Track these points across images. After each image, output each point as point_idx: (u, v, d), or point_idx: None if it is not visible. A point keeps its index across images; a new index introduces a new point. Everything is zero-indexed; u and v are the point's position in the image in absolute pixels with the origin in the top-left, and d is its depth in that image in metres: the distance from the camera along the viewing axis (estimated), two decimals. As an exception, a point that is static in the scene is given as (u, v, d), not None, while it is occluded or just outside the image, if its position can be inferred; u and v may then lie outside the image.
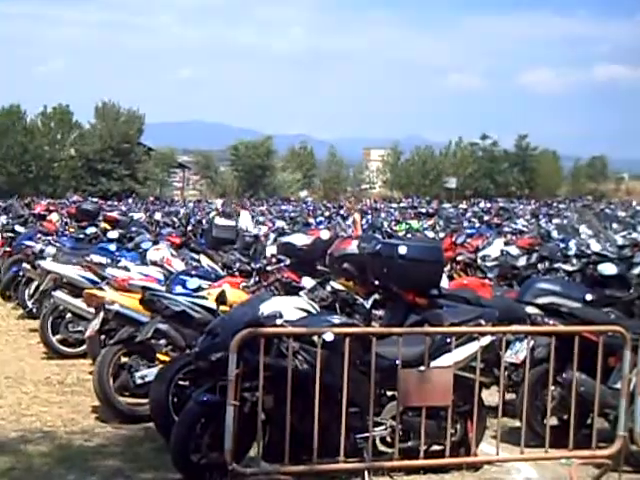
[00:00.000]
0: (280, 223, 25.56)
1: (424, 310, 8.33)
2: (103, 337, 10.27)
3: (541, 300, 8.25)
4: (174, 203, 55.82)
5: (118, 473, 6.94)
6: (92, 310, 10.41)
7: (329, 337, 6.44)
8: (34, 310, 14.12)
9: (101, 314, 9.31)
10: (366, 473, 6.58)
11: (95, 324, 9.47)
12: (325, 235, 12.13)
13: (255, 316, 6.62)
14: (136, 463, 7.18)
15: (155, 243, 13.49)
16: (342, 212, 35.64)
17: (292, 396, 6.32)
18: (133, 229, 17.12)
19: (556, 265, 13.18)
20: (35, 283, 14.35)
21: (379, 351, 6.64)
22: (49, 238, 16.21)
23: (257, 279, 9.92)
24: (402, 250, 8.64)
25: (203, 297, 8.64)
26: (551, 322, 7.94)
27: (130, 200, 54.84)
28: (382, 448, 6.89)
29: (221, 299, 7.79)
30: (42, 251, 14.39)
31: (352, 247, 10.53)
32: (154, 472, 6.94)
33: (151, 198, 60.00)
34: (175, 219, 26.24)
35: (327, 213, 36.80)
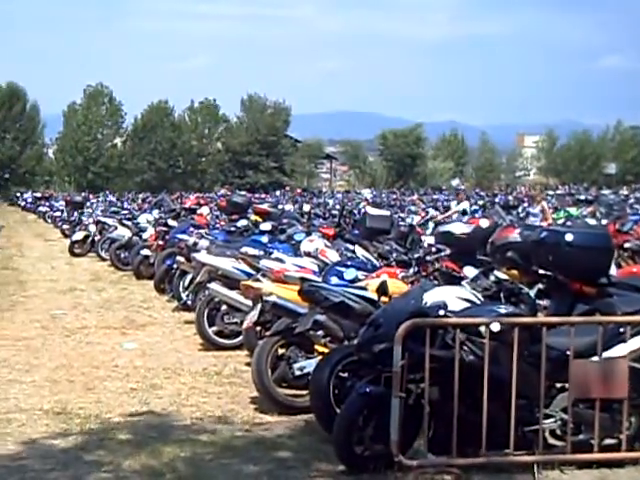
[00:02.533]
0: (433, 212, 25.49)
1: (593, 299, 8.15)
2: (259, 329, 10.49)
3: None
4: (322, 194, 56.33)
5: (281, 464, 7.07)
6: (248, 302, 10.68)
7: (496, 327, 6.41)
8: (189, 302, 14.50)
9: (259, 305, 9.49)
10: (535, 467, 6.52)
11: (253, 315, 9.66)
12: (484, 223, 12.00)
13: (419, 306, 6.65)
14: (298, 454, 7.30)
15: (308, 234, 13.65)
16: (497, 200, 35.25)
17: (458, 388, 6.31)
18: (284, 221, 17.36)
19: None
20: (189, 276, 14.72)
21: (548, 341, 6.56)
22: (201, 231, 16.61)
23: (416, 269, 9.91)
24: (569, 237, 8.47)
25: (363, 288, 8.67)
26: None
27: (278, 192, 55.64)
28: (551, 441, 6.78)
29: (382, 290, 7.80)
30: (196, 244, 14.74)
31: (515, 235, 10.37)
32: (317, 463, 7.03)
33: (298, 190, 60.73)
34: (324, 210, 26.53)
35: (481, 202, 36.45)
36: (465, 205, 23.00)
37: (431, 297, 6.92)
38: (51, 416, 8.52)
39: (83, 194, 55.46)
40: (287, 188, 63.63)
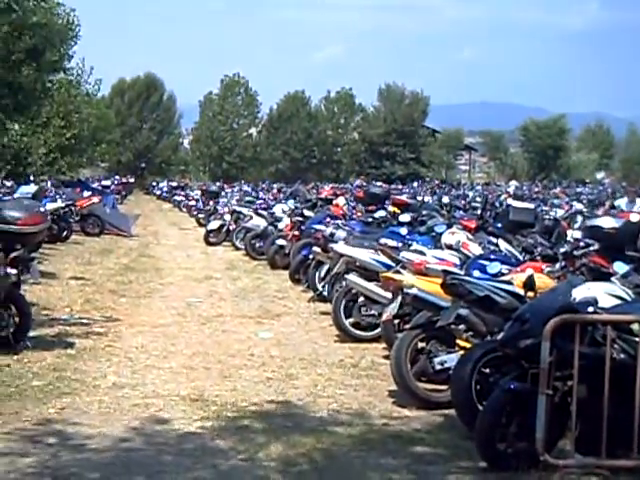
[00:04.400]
0: (578, 206, 24.97)
1: None
2: (397, 321, 10.50)
3: None
4: (461, 186, 55.83)
5: (420, 459, 7.09)
6: (386, 294, 10.71)
7: (649, 325, 6.27)
8: (324, 293, 14.60)
9: (399, 298, 9.51)
10: (690, 473, 6.35)
11: (392, 308, 9.69)
12: (635, 218, 11.71)
13: (567, 302, 6.56)
14: (437, 449, 7.31)
15: (449, 226, 13.56)
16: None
17: (608, 386, 6.20)
18: (424, 213, 17.27)
19: None
20: (325, 266, 14.84)
21: None
22: (338, 222, 16.70)
23: (563, 264, 9.75)
24: None
25: (508, 282, 8.58)
26: None
27: (415, 184, 55.42)
28: None
29: (529, 284, 7.71)
30: (333, 235, 14.82)
31: (667, 230, 10.13)
32: (457, 460, 7.02)
33: (436, 181, 60.38)
34: (464, 202, 26.29)
35: (629, 195, 35.36)
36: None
37: (580, 293, 6.83)
38: (188, 402, 8.72)
39: (218, 183, 56.51)
40: (426, 179, 63.32)
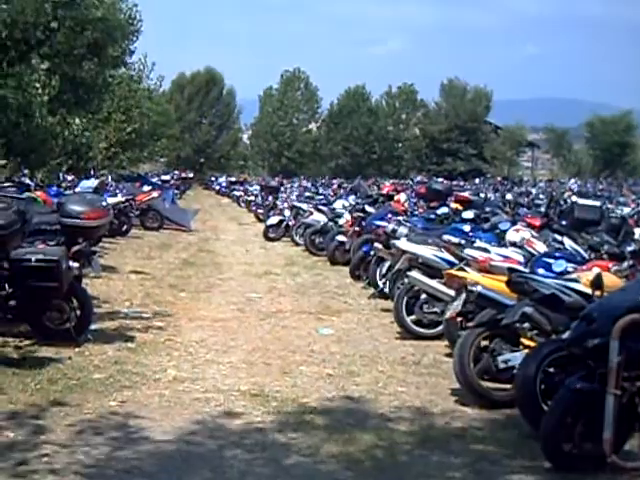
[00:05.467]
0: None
1: None
2: (459, 319, 10.47)
3: None
4: (523, 183, 55.38)
5: (482, 458, 7.06)
6: (448, 291, 10.69)
7: None
8: (385, 290, 14.58)
9: (463, 295, 9.47)
10: None
11: (456, 306, 9.65)
12: None
13: (636, 301, 6.48)
14: (501, 449, 7.28)
15: (513, 224, 13.49)
16: None
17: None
18: (487, 209, 17.19)
19: None
20: (387, 263, 14.82)
21: None
22: (400, 218, 16.66)
23: (631, 263, 9.65)
24: None
25: (574, 280, 8.52)
26: None
27: (477, 180, 55.12)
28: None
29: (597, 283, 7.64)
30: (395, 231, 14.79)
31: None
32: (521, 459, 6.99)
33: (499, 178, 59.98)
34: (528, 199, 26.11)
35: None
36: None
37: (649, 292, 6.73)
38: (248, 398, 8.76)
39: (277, 179, 56.67)
40: (487, 176, 63.00)
